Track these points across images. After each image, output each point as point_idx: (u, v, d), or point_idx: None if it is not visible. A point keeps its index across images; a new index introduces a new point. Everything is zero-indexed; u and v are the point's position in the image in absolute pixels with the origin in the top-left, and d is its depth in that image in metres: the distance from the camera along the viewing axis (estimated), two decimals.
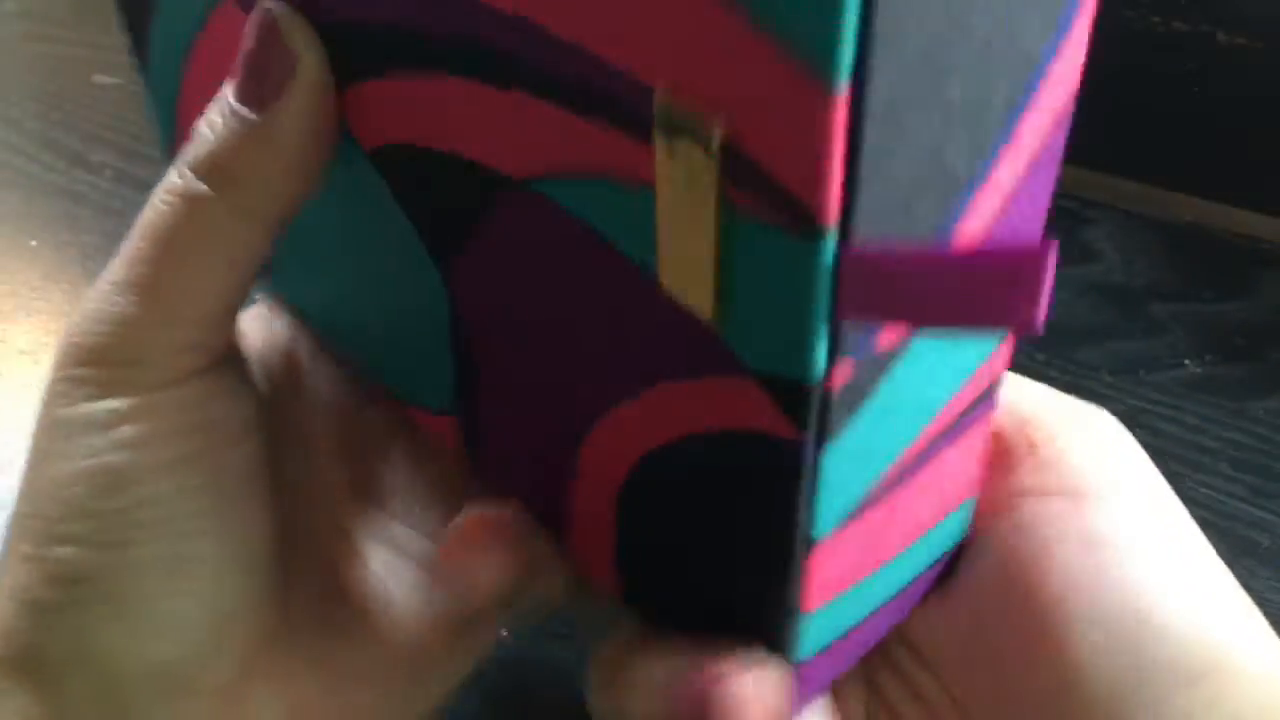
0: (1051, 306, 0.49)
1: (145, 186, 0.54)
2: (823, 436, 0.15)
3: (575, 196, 0.16)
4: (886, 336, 0.15)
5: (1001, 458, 0.21)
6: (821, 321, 0.14)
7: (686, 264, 0.15)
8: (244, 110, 0.17)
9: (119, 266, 0.19)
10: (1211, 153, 0.51)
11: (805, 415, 0.15)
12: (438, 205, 0.18)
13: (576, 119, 0.15)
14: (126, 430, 0.18)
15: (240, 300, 0.19)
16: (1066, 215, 0.51)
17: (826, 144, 0.12)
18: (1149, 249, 0.50)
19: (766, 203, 0.13)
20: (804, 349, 0.14)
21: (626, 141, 0.14)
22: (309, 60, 0.17)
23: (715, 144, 0.13)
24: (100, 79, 0.57)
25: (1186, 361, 0.45)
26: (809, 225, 0.13)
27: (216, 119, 0.18)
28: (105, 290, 0.19)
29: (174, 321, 0.18)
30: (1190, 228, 0.51)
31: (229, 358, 0.20)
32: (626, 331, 0.16)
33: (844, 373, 0.15)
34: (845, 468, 0.16)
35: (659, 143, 0.14)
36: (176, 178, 0.18)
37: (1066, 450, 0.20)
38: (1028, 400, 0.21)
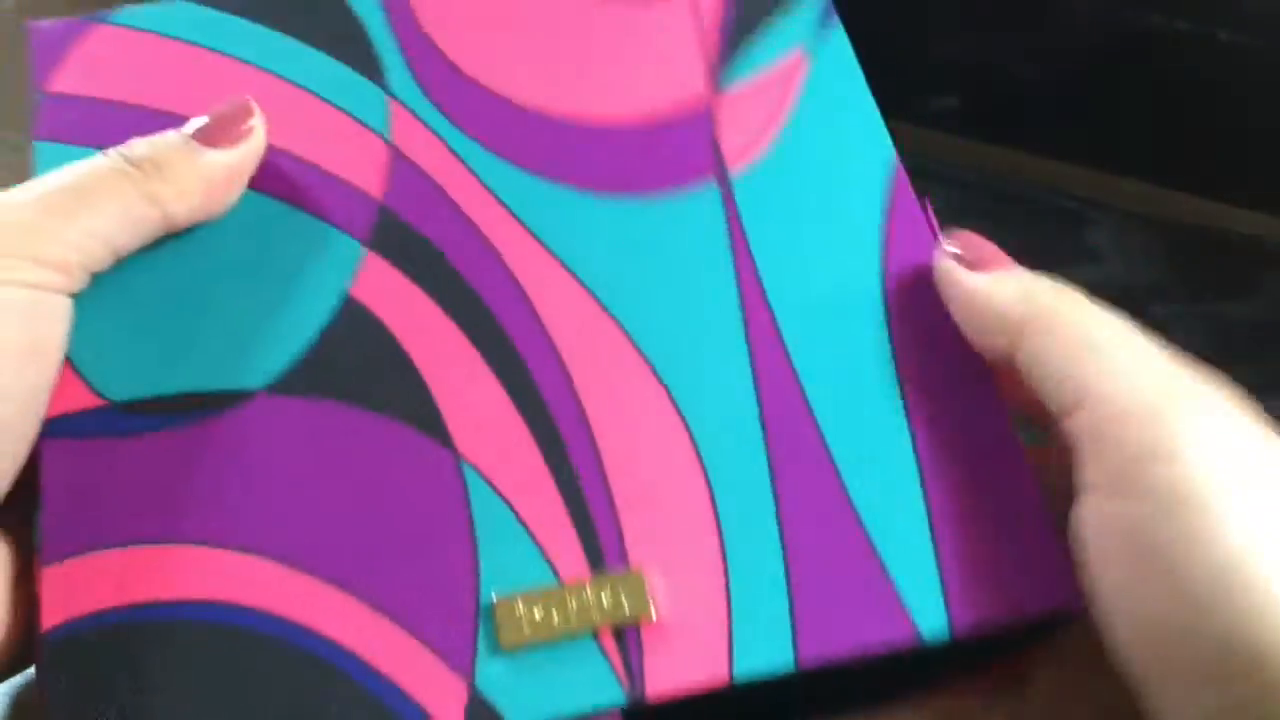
0: None
1: None
2: None
3: None
4: None
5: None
6: None
7: None
8: (194, 142, 0.25)
9: (43, 184, 0.23)
10: (1211, 153, 0.51)
11: None
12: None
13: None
14: None
15: (109, 258, 0.24)
16: (1067, 215, 0.51)
17: None
18: (1149, 249, 0.50)
19: None
20: None
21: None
22: (259, 138, 0.26)
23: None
24: None
25: None
26: None
27: (170, 137, 0.25)
28: (21, 197, 0.23)
29: (59, 238, 0.23)
30: (1190, 228, 0.51)
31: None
32: None
33: None
34: None
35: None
36: (118, 152, 0.24)
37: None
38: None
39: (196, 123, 0.25)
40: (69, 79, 0.28)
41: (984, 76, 0.52)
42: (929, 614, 0.22)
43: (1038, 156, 0.53)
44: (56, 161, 0.25)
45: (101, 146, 0.25)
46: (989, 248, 0.25)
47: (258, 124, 0.26)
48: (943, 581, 0.22)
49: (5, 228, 0.22)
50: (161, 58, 0.28)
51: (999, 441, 0.24)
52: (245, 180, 0.26)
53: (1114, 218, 0.51)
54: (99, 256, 0.24)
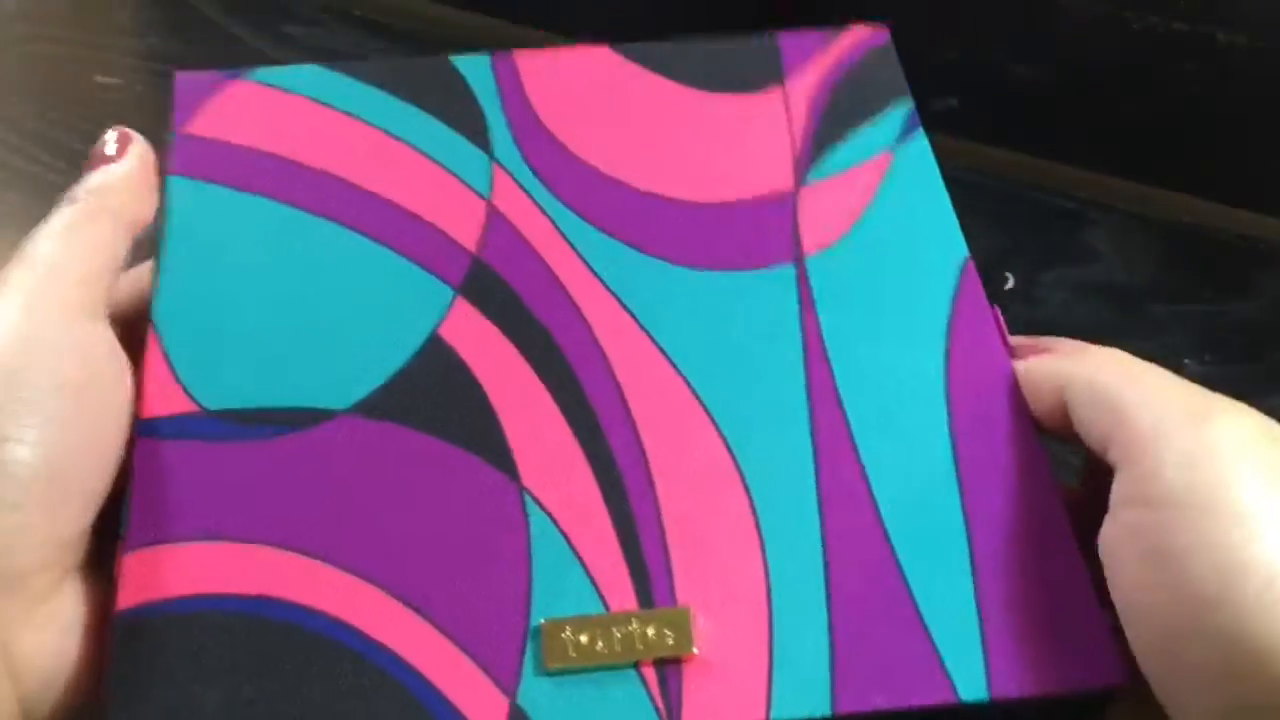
0: (1051, 307, 0.50)
1: None
2: None
3: None
4: None
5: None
6: None
7: None
8: (97, 169, 0.28)
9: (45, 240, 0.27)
10: (1211, 153, 0.51)
11: None
12: None
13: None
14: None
15: (106, 272, 0.27)
16: (1066, 215, 0.51)
17: None
18: (1149, 249, 0.50)
19: None
20: None
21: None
22: (138, 145, 0.29)
23: None
24: (101, 79, 0.57)
25: (1186, 361, 0.45)
26: None
27: (91, 174, 0.28)
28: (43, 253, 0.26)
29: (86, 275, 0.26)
30: (1190, 228, 0.51)
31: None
32: None
33: None
34: None
35: None
36: (69, 198, 0.28)
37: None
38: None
39: (101, 154, 0.29)
40: (203, 124, 0.30)
41: (984, 77, 0.52)
42: (968, 677, 0.23)
43: (1037, 156, 0.53)
44: (185, 194, 0.29)
45: (226, 184, 0.29)
46: (1044, 341, 0.29)
47: (134, 136, 0.29)
48: (985, 648, 0.23)
49: (49, 277, 0.25)
50: (289, 112, 0.31)
51: (1050, 522, 0.25)
52: (153, 181, 0.29)
53: (1113, 218, 0.51)
54: (109, 278, 0.27)
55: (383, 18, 0.62)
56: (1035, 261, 0.49)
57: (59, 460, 0.23)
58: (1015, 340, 0.29)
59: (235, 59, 0.59)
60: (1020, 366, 0.28)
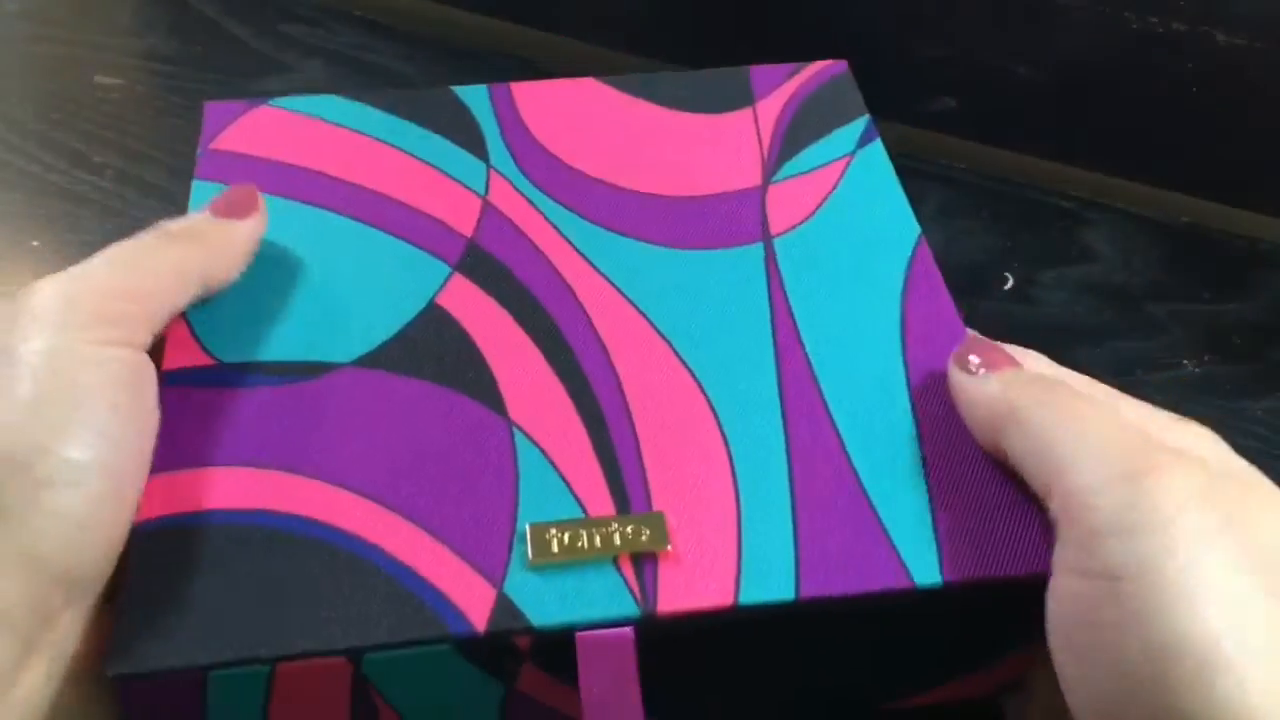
0: (1051, 306, 0.50)
1: (147, 187, 0.54)
2: None
3: None
4: None
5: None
6: None
7: None
8: (214, 217, 0.30)
9: (109, 262, 0.27)
10: (1211, 153, 0.51)
11: None
12: None
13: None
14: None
15: (171, 309, 0.28)
16: (1066, 215, 0.51)
17: None
18: (1148, 249, 0.50)
19: None
20: None
21: None
22: (260, 217, 0.30)
23: None
24: (102, 79, 0.57)
25: (1185, 361, 0.45)
26: None
27: (200, 215, 0.30)
28: (97, 276, 0.27)
29: (134, 307, 0.26)
30: (1189, 228, 0.51)
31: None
32: None
33: None
34: None
35: None
36: (164, 227, 0.29)
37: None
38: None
39: (214, 203, 0.30)
40: (226, 142, 0.34)
41: (983, 77, 0.52)
42: (923, 568, 0.25)
43: (1036, 156, 0.53)
44: (207, 194, 0.31)
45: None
46: (992, 351, 0.28)
47: (261, 202, 0.31)
48: (937, 542, 0.25)
49: (95, 302, 0.26)
50: (304, 131, 0.34)
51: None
52: (256, 247, 0.30)
53: (1112, 218, 0.51)
54: (162, 319, 0.27)
55: (383, 18, 0.62)
56: (1034, 261, 0.49)
57: (115, 478, 0.24)
58: (965, 343, 0.29)
59: (235, 59, 0.59)
60: (959, 379, 0.28)
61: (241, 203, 0.30)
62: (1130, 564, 0.21)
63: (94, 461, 0.23)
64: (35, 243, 0.47)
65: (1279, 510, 0.23)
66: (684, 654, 0.25)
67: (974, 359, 0.27)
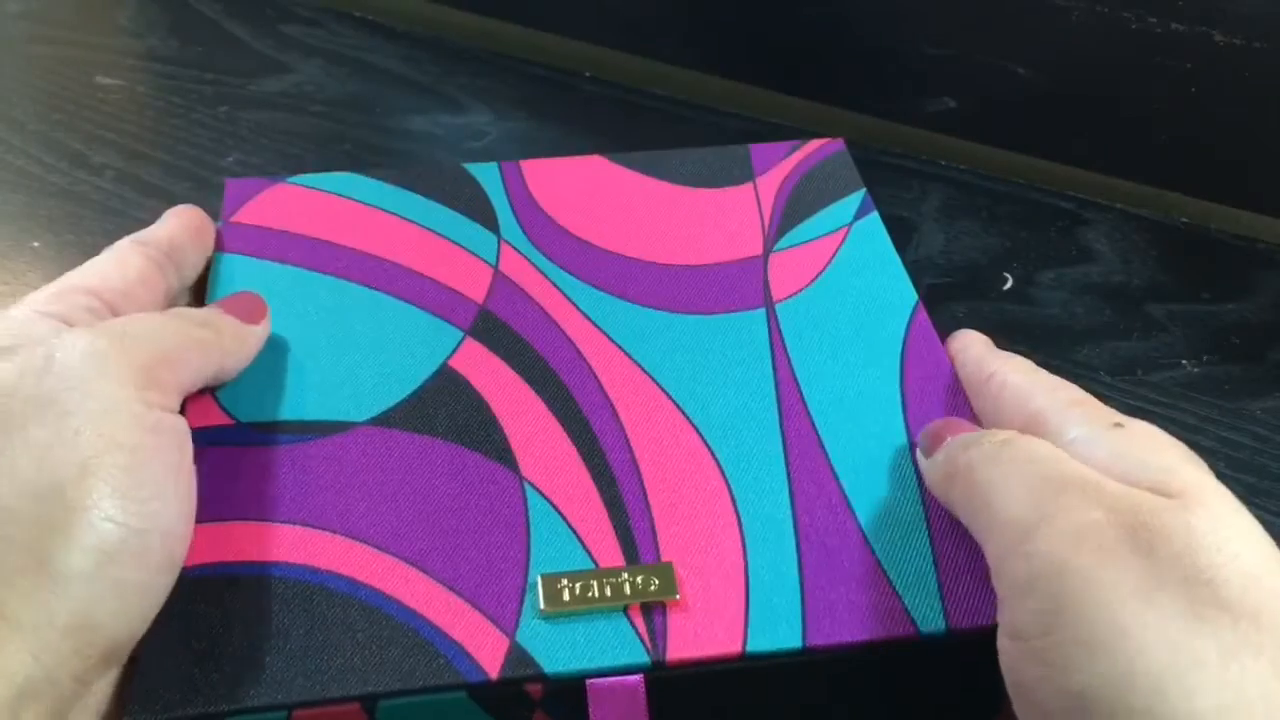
0: (1050, 307, 0.50)
1: (147, 187, 0.54)
2: None
3: None
4: None
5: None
6: None
7: None
8: (238, 321, 0.30)
9: (150, 337, 0.28)
10: (1210, 153, 0.51)
11: None
12: None
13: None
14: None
15: (194, 384, 0.28)
16: (1065, 215, 0.51)
17: None
18: (1147, 249, 0.50)
19: None
20: None
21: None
22: (267, 324, 0.31)
23: None
24: (102, 80, 0.57)
25: (1184, 361, 0.45)
26: None
27: (225, 316, 0.30)
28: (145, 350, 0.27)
29: (175, 380, 0.27)
30: (1188, 228, 0.51)
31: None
32: None
33: None
34: None
35: None
36: (183, 313, 0.29)
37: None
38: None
39: (230, 304, 0.31)
40: (247, 215, 0.35)
41: (983, 77, 0.52)
42: (927, 617, 0.25)
43: (1036, 156, 0.53)
44: (229, 264, 0.33)
45: (264, 258, 0.33)
46: (941, 427, 0.28)
47: (268, 311, 0.31)
48: (941, 594, 0.26)
49: (140, 363, 0.26)
50: (321, 205, 0.36)
51: None
52: (259, 349, 0.31)
53: (1111, 218, 0.51)
54: (188, 391, 0.28)
55: (383, 18, 0.62)
56: (1034, 261, 0.49)
57: (170, 545, 0.24)
58: (922, 431, 0.29)
59: (235, 59, 0.59)
60: (920, 463, 0.28)
61: (252, 308, 0.31)
62: (1035, 623, 0.22)
63: (155, 529, 0.23)
64: (35, 243, 0.47)
65: (1200, 514, 0.22)
66: (693, 701, 0.25)
67: (924, 440, 0.28)
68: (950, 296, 0.47)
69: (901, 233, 0.50)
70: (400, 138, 0.54)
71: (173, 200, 0.51)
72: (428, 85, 0.58)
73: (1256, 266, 0.50)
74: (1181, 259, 0.50)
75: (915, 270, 0.49)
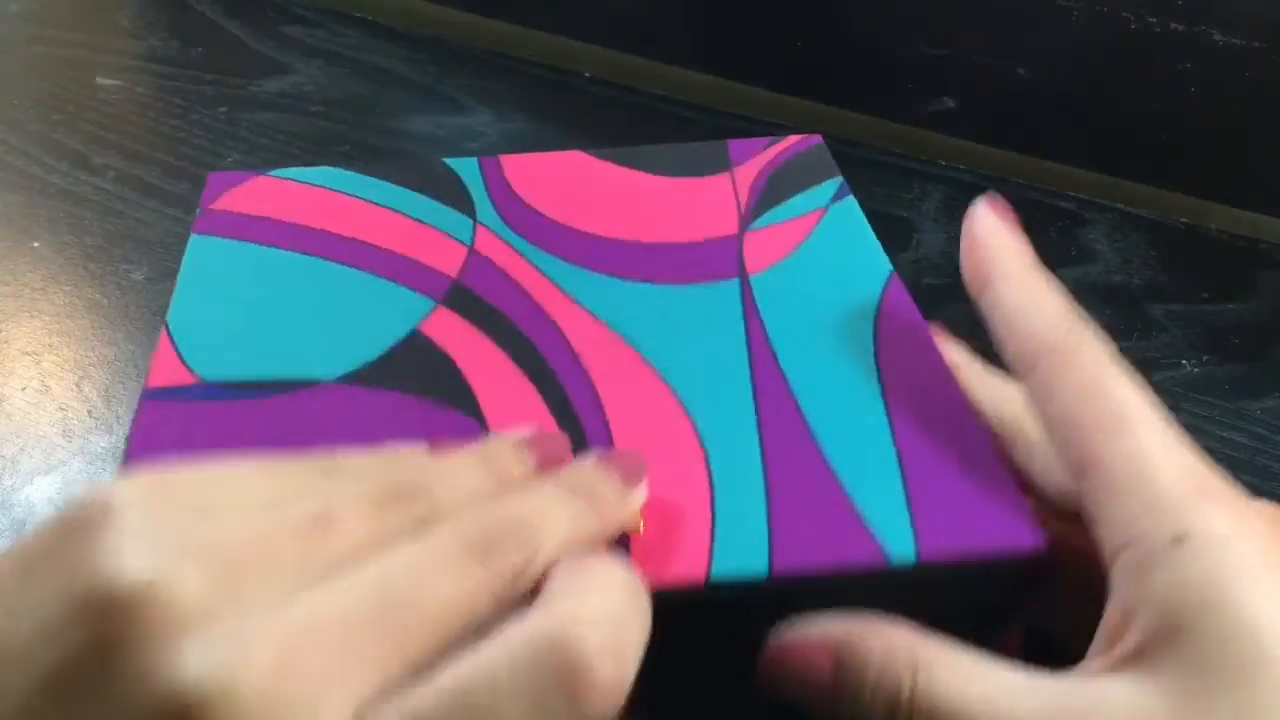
0: None
1: (147, 188, 0.54)
2: None
3: None
4: None
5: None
6: None
7: None
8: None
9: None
10: (1209, 153, 0.51)
11: None
12: None
13: None
14: None
15: None
16: (1065, 215, 0.51)
17: None
18: (1147, 249, 0.50)
19: None
20: None
21: None
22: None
23: None
24: (103, 81, 0.57)
25: (1184, 361, 0.45)
26: None
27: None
28: None
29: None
30: (1188, 228, 0.51)
31: None
32: None
33: None
34: None
35: None
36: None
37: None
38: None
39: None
40: (224, 203, 0.36)
41: (982, 77, 0.52)
42: (897, 543, 0.25)
43: (1036, 156, 0.53)
44: (202, 245, 0.33)
45: (237, 239, 0.34)
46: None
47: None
48: (912, 519, 0.26)
49: None
50: (300, 195, 0.36)
51: (963, 419, 0.28)
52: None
53: (1111, 217, 0.51)
54: None
55: (383, 18, 0.62)
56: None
57: None
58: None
59: (235, 60, 0.59)
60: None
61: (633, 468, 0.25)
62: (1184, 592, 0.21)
63: None
64: (36, 243, 0.47)
65: None
66: (658, 636, 0.26)
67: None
68: (950, 297, 0.47)
69: (901, 233, 0.50)
70: (400, 138, 0.54)
71: (173, 200, 0.51)
72: (428, 85, 0.58)
73: (1256, 266, 0.50)
74: (1181, 259, 0.50)
75: (915, 270, 0.49)
